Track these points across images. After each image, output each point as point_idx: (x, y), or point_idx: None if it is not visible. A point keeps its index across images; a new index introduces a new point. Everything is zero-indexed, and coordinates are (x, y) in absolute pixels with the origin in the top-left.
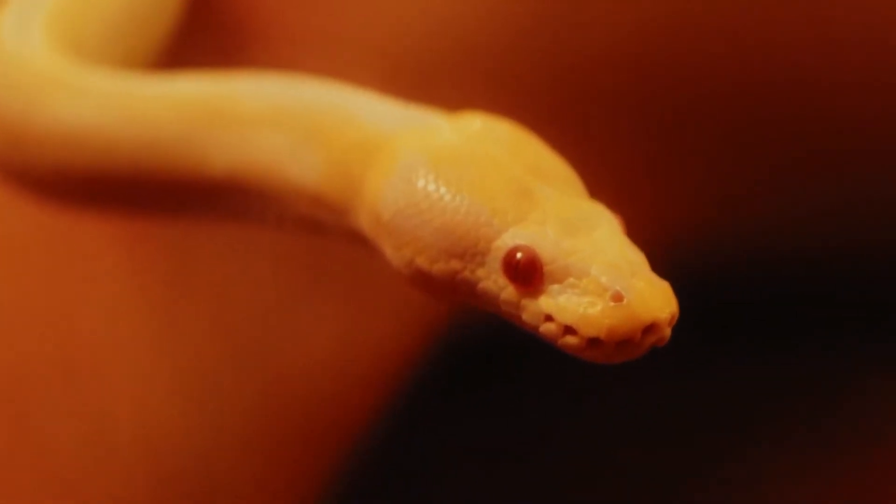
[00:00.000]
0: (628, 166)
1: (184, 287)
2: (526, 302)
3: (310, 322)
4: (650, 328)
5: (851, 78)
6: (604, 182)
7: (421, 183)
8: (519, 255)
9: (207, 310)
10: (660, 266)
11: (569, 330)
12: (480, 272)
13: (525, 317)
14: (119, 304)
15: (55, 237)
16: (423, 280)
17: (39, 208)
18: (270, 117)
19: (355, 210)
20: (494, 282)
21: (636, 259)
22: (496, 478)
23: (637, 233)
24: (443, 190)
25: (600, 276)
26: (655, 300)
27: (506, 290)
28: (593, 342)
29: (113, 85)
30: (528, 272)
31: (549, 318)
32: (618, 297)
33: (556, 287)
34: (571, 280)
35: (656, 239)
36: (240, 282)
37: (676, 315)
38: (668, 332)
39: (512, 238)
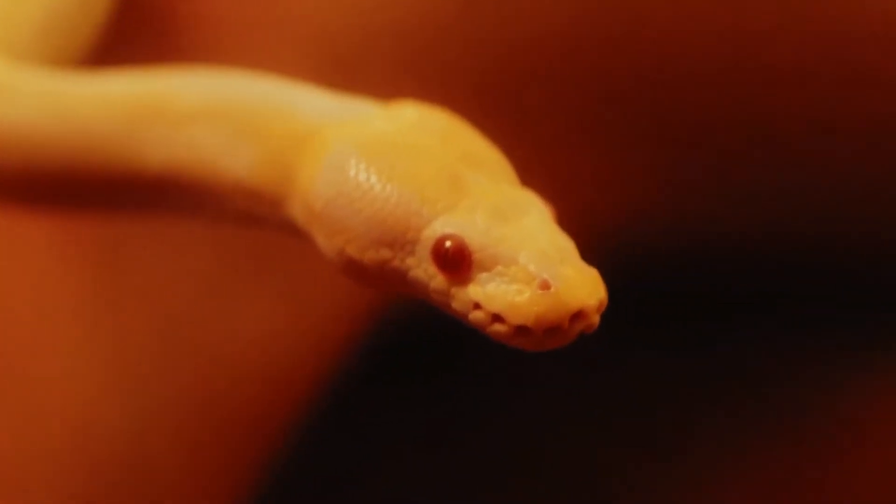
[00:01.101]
0: (563, 154)
1: (115, 279)
2: (455, 290)
3: (242, 311)
4: (578, 315)
5: (793, 68)
6: (539, 170)
7: (352, 172)
8: (447, 243)
9: (139, 300)
10: (595, 255)
11: (497, 318)
12: (410, 261)
13: (454, 305)
14: (50, 298)
15: None
16: (354, 269)
17: None
18: (204, 112)
19: (290, 201)
20: (424, 270)
21: (565, 247)
22: (431, 466)
23: (573, 221)
24: (373, 179)
25: (528, 264)
26: (583, 288)
27: (435, 279)
28: (521, 330)
29: (45, 84)
30: (456, 261)
31: (477, 306)
32: (545, 285)
33: (484, 275)
34: (500, 268)
35: (592, 227)
36: (171, 272)
37: (605, 302)
38: (596, 319)
39: (441, 227)
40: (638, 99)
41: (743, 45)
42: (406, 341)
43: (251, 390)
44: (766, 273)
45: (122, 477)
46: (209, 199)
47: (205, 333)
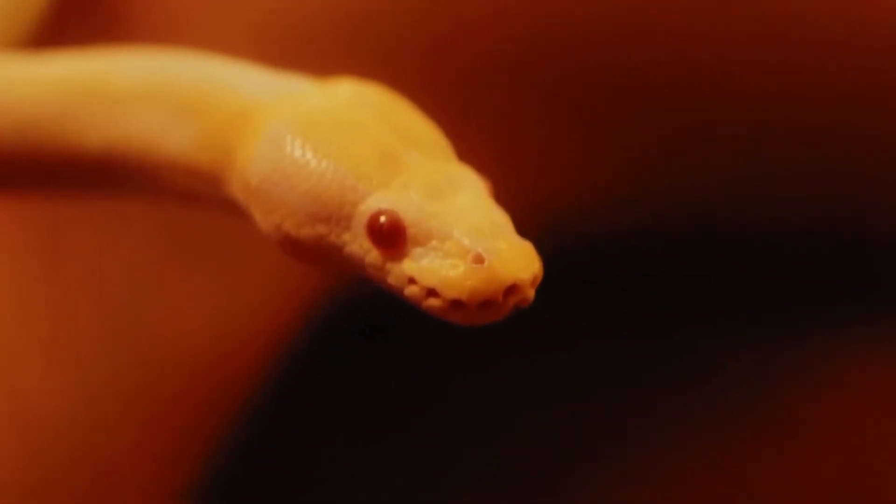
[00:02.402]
0: (507, 133)
1: (56, 264)
2: (390, 265)
3: (185, 294)
4: (512, 289)
5: (745, 50)
6: (483, 149)
7: (287, 149)
8: (382, 218)
9: (81, 284)
10: (540, 235)
11: (431, 292)
12: (346, 236)
13: (390, 280)
14: None
15: None
16: (291, 245)
17: None
18: (143, 92)
19: (229, 179)
20: (360, 245)
21: (499, 221)
22: (378, 452)
23: (518, 201)
24: (308, 155)
25: (462, 239)
26: (517, 261)
27: (370, 254)
28: (456, 304)
29: None
30: (391, 236)
31: (412, 280)
32: (479, 259)
33: (419, 250)
34: (434, 243)
35: (537, 208)
36: (113, 256)
37: (539, 276)
38: (531, 293)
39: (376, 202)
40: (584, 78)
41: (692, 23)
42: (351, 326)
43: (195, 376)
44: (712, 255)
45: (64, 464)
46: (149, 178)
47: (147, 319)
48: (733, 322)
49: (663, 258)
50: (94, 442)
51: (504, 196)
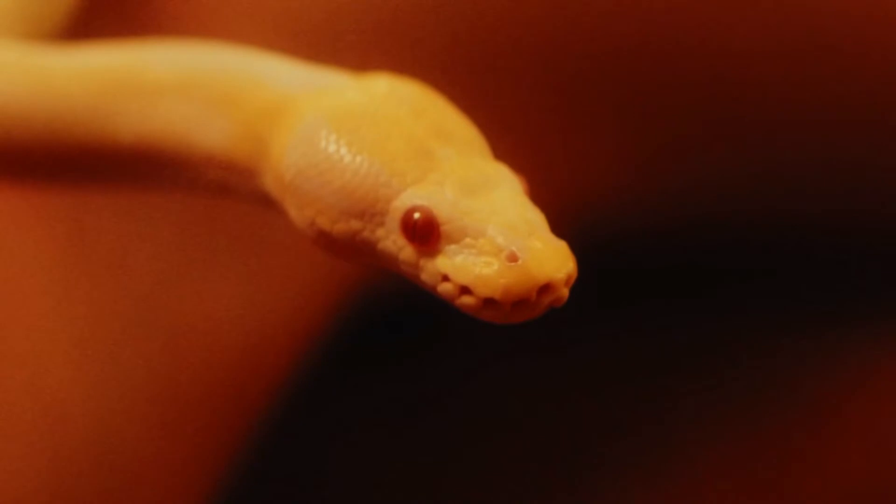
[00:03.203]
0: (535, 129)
1: (82, 256)
2: (424, 262)
3: (212, 287)
4: (546, 288)
5: (767, 44)
6: (510, 145)
7: (322, 143)
8: (416, 215)
9: (107, 278)
10: (567, 230)
11: (465, 290)
12: (380, 232)
13: (423, 276)
14: (18, 276)
15: None
16: (325, 240)
17: None
18: (177, 84)
19: (262, 172)
20: (393, 242)
21: (534, 219)
22: (403, 445)
23: (543, 197)
24: (343, 150)
25: (496, 237)
26: (551, 260)
27: (404, 251)
28: (489, 302)
29: (20, 57)
30: (425, 232)
31: (445, 278)
32: (513, 258)
33: (453, 247)
34: (468, 240)
35: (564, 203)
36: (139, 248)
37: (574, 275)
38: (565, 292)
39: (410, 198)
40: (611, 74)
41: (718, 23)
42: (378, 319)
43: (222, 369)
44: (740, 251)
45: (93, 458)
46: (183, 171)
47: (175, 312)
48: (760, 319)
49: (689, 253)
50: (122, 440)
51: (529, 191)
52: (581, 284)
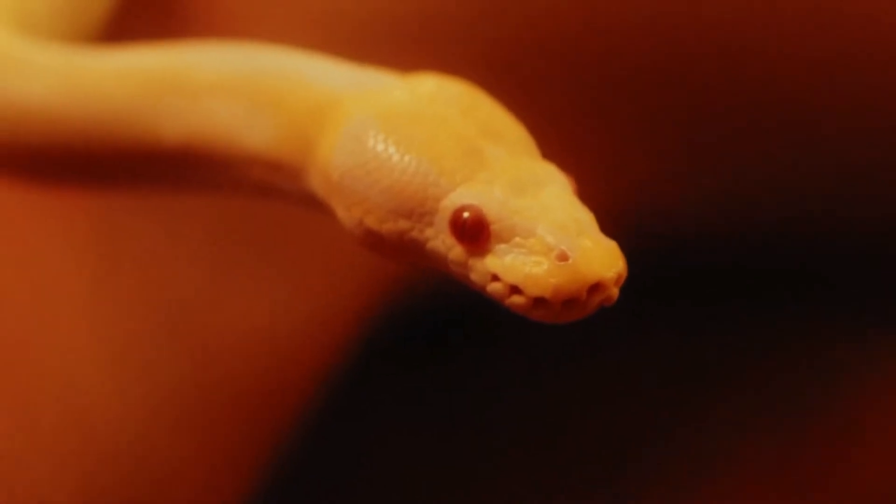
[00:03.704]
0: (578, 128)
1: (113, 265)
2: (473, 261)
3: (246, 297)
4: (596, 287)
5: (800, 50)
6: (553, 144)
7: (370, 143)
8: (466, 214)
9: (141, 285)
10: (610, 226)
11: (515, 289)
12: (429, 232)
13: (473, 276)
14: (49, 280)
15: None
16: (373, 240)
17: None
18: (221, 85)
19: (308, 172)
20: (442, 241)
21: (584, 219)
22: (442, 449)
23: (588, 197)
24: (391, 150)
25: (546, 236)
26: (601, 259)
27: (453, 250)
28: (539, 302)
29: (62, 60)
30: (474, 231)
31: (495, 277)
32: (563, 257)
33: (503, 247)
34: (518, 240)
35: (607, 201)
36: (174, 255)
37: (624, 275)
38: (615, 291)
39: (459, 197)
40: (656, 72)
41: (760, 24)
42: (414, 324)
43: (256, 376)
44: (780, 252)
45: (124, 469)
46: (227, 171)
47: (207, 320)
48: (802, 322)
49: (729, 256)
50: (153, 451)
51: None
52: (622, 287)
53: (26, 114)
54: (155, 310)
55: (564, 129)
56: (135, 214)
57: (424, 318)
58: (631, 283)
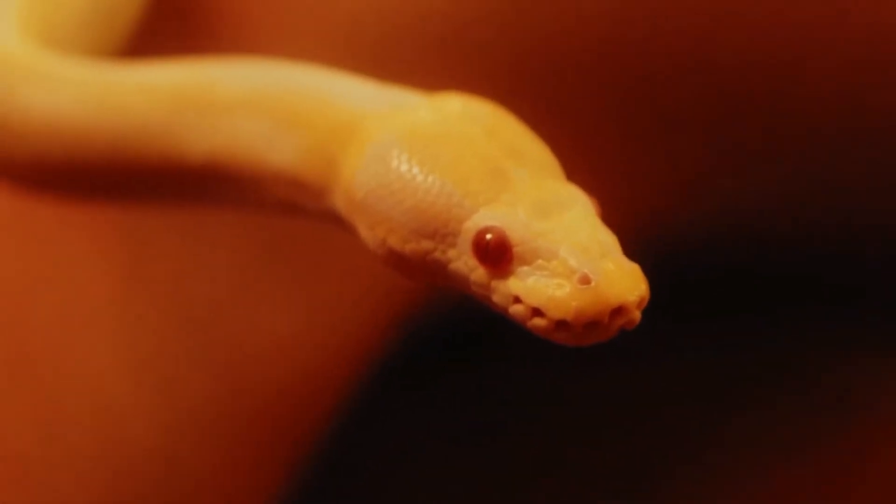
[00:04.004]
0: (600, 143)
1: (141, 278)
2: (496, 283)
3: (270, 310)
4: (618, 311)
5: (816, 59)
6: (573, 162)
7: (394, 163)
8: (488, 236)
9: (166, 297)
10: (632, 247)
11: (537, 312)
12: (452, 253)
13: (495, 298)
14: (76, 292)
15: (8, 221)
16: (396, 260)
17: (7, 193)
18: (247, 102)
19: (332, 191)
20: (465, 262)
21: (607, 241)
22: (462, 465)
23: (607, 213)
24: (415, 170)
25: (569, 259)
26: (624, 282)
27: (476, 272)
28: (561, 324)
29: (88, 74)
30: (497, 253)
31: (517, 299)
32: (585, 280)
33: (525, 269)
34: (540, 262)
35: (627, 219)
36: (198, 268)
37: (646, 298)
38: (637, 314)
39: (482, 219)
40: (677, 86)
41: (772, 37)
42: (437, 339)
43: (281, 389)
44: (813, 266)
45: (152, 479)
46: (251, 188)
47: (233, 333)
48: (830, 335)
49: (762, 269)
50: (181, 462)
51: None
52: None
53: (51, 128)
54: (179, 322)
55: (580, 145)
56: (160, 227)
57: (445, 332)
58: (652, 298)
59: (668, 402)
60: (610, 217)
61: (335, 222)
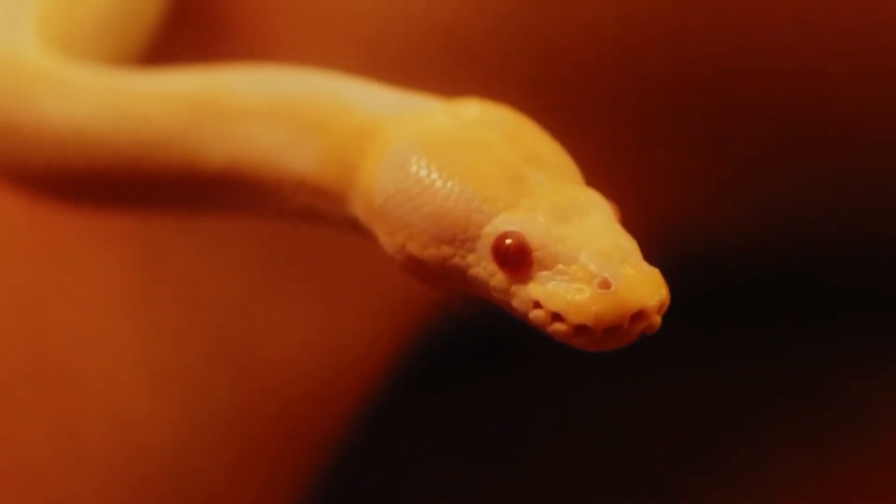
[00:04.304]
0: (617, 152)
1: (157, 286)
2: (515, 288)
3: (287, 316)
4: (638, 315)
5: (836, 64)
6: (593, 168)
7: (413, 168)
8: (508, 241)
9: (183, 304)
10: (652, 252)
11: (557, 317)
12: (471, 258)
13: (514, 303)
14: (93, 299)
15: (27, 229)
16: (415, 266)
17: (24, 201)
18: (266, 108)
19: (351, 197)
20: (484, 268)
21: (627, 246)
22: (481, 472)
23: (628, 218)
24: (434, 175)
25: (589, 263)
26: (644, 287)
27: (495, 277)
28: (581, 329)
29: (105, 82)
30: (517, 258)
31: (537, 304)
32: (605, 284)
33: (545, 274)
34: (560, 267)
35: (647, 227)
36: (215, 275)
37: (666, 303)
38: (657, 319)
39: (502, 224)
40: (696, 94)
41: (798, 42)
42: (455, 346)
43: (298, 397)
44: (835, 274)
45: (169, 488)
46: (271, 196)
47: (250, 341)
48: (856, 341)
49: (783, 279)
50: (198, 470)
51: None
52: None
53: (68, 136)
54: (196, 329)
55: (605, 148)
56: (177, 233)
57: (465, 338)
58: (672, 305)
59: (688, 412)
60: (630, 224)
61: (355, 229)
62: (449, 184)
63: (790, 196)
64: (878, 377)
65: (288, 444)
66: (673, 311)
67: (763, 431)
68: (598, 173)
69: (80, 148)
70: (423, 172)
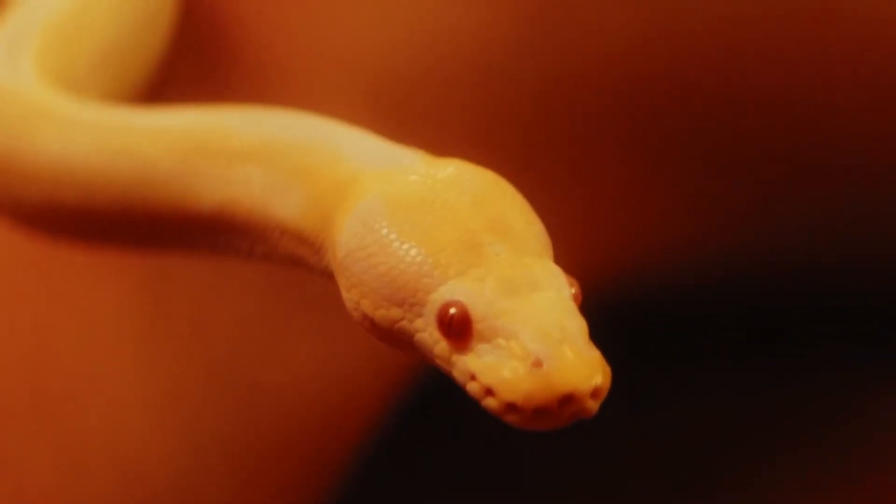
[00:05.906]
0: (616, 186)
1: (160, 317)
2: (456, 358)
3: (291, 345)
4: (568, 399)
5: (839, 94)
6: (599, 198)
7: (374, 226)
8: (452, 310)
9: (185, 335)
10: (657, 282)
11: (489, 391)
12: (418, 323)
13: (455, 373)
14: (95, 329)
15: (31, 259)
16: (368, 324)
17: (24, 236)
18: (258, 152)
19: (328, 248)
20: (430, 334)
21: (571, 327)
22: (488, 500)
23: (626, 250)
24: (392, 236)
25: (528, 342)
26: (578, 370)
27: (439, 345)
28: (511, 407)
29: (102, 119)
30: (459, 329)
31: (473, 377)
32: (538, 364)
33: (484, 346)
34: (500, 341)
35: (654, 255)
36: (217, 306)
37: (605, 389)
38: (590, 405)
39: (448, 292)
40: (704, 123)
41: (808, 70)
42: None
43: (301, 430)
44: (841, 302)
45: None
46: (259, 240)
47: (253, 373)
48: (851, 372)
49: (770, 310)
50: (200, 497)
51: (602, 251)
52: (654, 343)
53: (63, 172)
54: (202, 357)
55: (599, 187)
56: (180, 265)
57: None
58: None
59: (692, 443)
60: (636, 252)
61: (332, 280)
62: (405, 246)
63: (801, 224)
64: (878, 404)
65: (292, 475)
66: (657, 344)
67: (762, 463)
68: (604, 204)
69: (74, 183)
70: (383, 231)
